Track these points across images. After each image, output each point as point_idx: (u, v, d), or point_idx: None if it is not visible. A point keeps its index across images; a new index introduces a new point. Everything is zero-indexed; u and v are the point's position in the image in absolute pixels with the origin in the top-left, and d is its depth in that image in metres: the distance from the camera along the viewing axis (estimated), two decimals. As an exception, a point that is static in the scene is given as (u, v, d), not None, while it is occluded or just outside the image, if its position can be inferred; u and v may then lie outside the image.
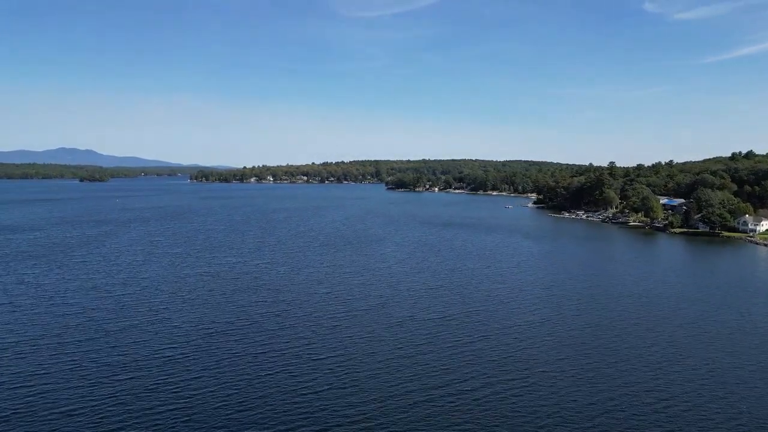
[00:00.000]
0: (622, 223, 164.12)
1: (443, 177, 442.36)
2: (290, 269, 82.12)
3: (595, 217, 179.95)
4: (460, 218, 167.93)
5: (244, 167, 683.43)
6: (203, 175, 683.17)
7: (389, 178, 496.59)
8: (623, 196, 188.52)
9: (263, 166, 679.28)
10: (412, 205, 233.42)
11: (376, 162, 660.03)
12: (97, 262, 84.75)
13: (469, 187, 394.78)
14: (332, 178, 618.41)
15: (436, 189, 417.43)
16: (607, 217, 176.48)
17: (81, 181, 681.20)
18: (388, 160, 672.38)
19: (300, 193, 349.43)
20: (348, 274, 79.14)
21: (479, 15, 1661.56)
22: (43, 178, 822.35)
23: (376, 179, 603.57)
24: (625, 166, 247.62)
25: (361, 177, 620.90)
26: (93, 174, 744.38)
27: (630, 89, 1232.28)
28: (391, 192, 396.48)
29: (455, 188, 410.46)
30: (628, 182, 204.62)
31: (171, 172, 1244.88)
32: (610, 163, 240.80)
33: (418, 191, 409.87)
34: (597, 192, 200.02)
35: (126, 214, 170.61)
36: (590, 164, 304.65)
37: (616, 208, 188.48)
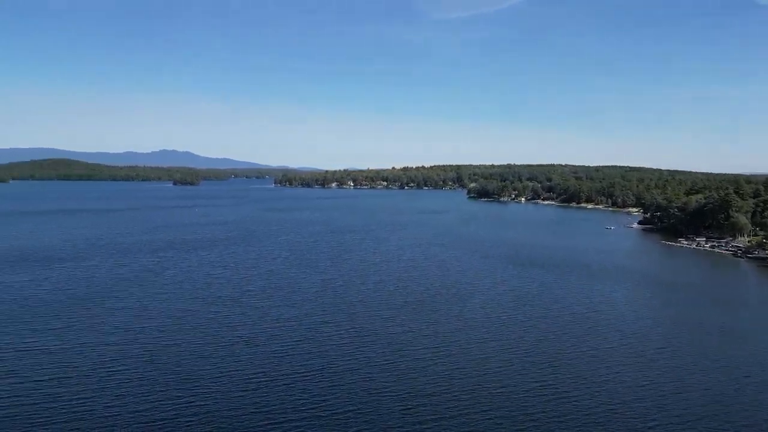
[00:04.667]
0: (762, 259, 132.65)
1: (530, 184, 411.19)
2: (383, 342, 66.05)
3: (723, 248, 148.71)
4: (555, 249, 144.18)
5: (326, 171, 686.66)
6: (287, 179, 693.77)
7: (471, 185, 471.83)
8: (761, 224, 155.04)
9: (344, 170, 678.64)
10: (496, 225, 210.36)
11: (458, 167, 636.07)
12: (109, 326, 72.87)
13: (559, 198, 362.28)
14: (412, 184, 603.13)
15: (523, 199, 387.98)
16: (739, 249, 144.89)
17: (174, 184, 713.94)
18: (471, 165, 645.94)
19: (377, 205, 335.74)
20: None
21: (565, 14, 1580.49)
22: (143, 180, 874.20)
23: (457, 185, 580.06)
24: (752, 174, 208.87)
25: (441, 182, 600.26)
26: (185, 177, 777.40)
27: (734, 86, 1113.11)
28: (473, 202, 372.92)
29: (543, 198, 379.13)
30: (763, 203, 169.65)
31: (259, 173, 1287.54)
32: (735, 176, 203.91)
33: (503, 201, 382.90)
34: (722, 215, 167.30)
35: (193, 232, 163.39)
36: (705, 175, 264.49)
37: (747, 236, 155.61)
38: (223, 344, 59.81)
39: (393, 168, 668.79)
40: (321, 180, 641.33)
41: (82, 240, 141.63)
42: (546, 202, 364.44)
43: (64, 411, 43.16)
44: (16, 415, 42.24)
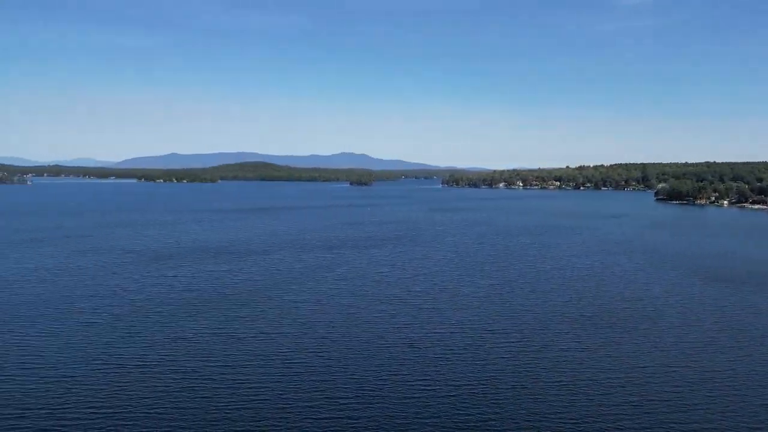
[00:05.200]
0: None
1: (735, 185, 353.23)
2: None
3: None
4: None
5: (494, 171, 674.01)
6: (454, 179, 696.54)
7: (660, 185, 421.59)
8: None
9: (513, 170, 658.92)
10: (692, 235, 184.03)
11: (643, 165, 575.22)
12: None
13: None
14: (589, 184, 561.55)
15: (725, 202, 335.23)
16: None
17: (351, 184, 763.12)
18: (659, 163, 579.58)
19: (546, 207, 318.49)
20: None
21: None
22: (324, 180, 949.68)
23: (642, 185, 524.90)
24: None
25: (623, 183, 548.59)
26: (360, 178, 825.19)
27: None
28: (661, 205, 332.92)
29: (752, 202, 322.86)
30: None
31: (428, 174, 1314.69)
32: None
33: (700, 204, 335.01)
34: None
35: (363, 231, 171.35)
36: None
37: None
38: (388, 344, 60.22)
39: (567, 167, 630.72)
40: (488, 180, 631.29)
41: (270, 235, 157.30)
42: (757, 207, 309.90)
43: (246, 396, 46.79)
44: (209, 396, 46.87)
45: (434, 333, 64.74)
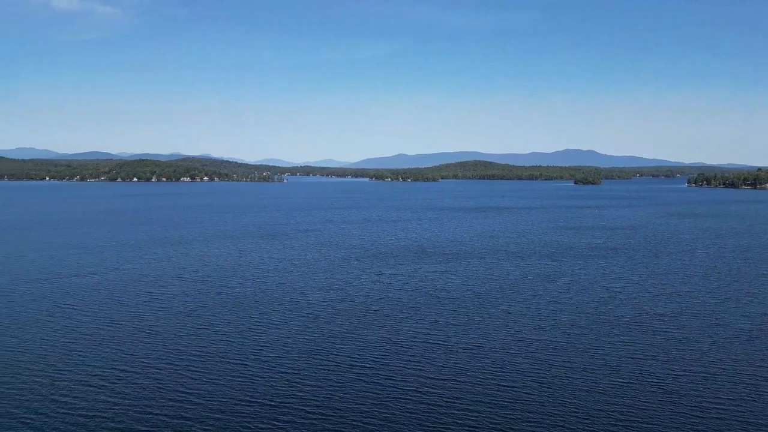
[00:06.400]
0: None
1: None
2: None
3: None
4: None
5: (759, 170, 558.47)
6: (704, 178, 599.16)
7: None
8: None
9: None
10: None
11: None
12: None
13: None
14: None
15: None
16: None
17: (575, 183, 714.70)
18: None
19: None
20: None
21: None
22: (545, 179, 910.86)
23: None
24: None
25: None
26: (587, 176, 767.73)
27: None
28: None
29: None
30: None
31: (669, 172, 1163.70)
32: None
33: None
34: None
35: (590, 236, 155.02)
36: None
37: None
38: (623, 379, 50.18)
39: None
40: (750, 180, 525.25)
41: (485, 237, 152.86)
42: None
43: (459, 414, 42.97)
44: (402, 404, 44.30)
45: (686, 372, 52.13)
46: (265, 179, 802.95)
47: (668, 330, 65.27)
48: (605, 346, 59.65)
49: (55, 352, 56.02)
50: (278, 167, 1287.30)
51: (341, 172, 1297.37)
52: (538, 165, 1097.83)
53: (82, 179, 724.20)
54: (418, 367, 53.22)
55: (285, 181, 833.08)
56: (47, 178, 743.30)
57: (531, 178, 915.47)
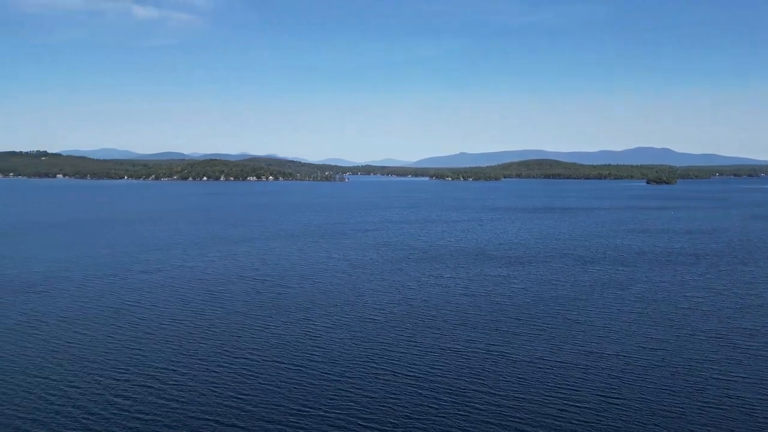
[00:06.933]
0: None
1: None
2: None
3: None
4: None
5: None
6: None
7: None
8: None
9: None
10: None
11: None
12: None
13: None
14: None
15: None
16: None
17: (647, 182, 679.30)
18: None
19: None
20: None
21: None
22: (614, 178, 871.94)
23: None
24: None
25: None
26: (660, 175, 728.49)
27: None
28: None
29: None
30: None
31: (752, 171, 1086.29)
32: None
33: None
34: None
35: (666, 240, 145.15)
36: None
37: None
38: (711, 401, 45.17)
39: None
40: None
41: (550, 239, 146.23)
42: None
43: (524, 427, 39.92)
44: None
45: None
46: (326, 178, 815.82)
47: (758, 347, 58.71)
48: (686, 363, 54.28)
49: (118, 349, 57.39)
50: (340, 167, 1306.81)
51: (401, 171, 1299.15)
52: (608, 164, 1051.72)
53: (156, 178, 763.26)
54: (479, 380, 50.30)
55: (346, 180, 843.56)
56: (125, 177, 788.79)
57: (599, 177, 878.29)
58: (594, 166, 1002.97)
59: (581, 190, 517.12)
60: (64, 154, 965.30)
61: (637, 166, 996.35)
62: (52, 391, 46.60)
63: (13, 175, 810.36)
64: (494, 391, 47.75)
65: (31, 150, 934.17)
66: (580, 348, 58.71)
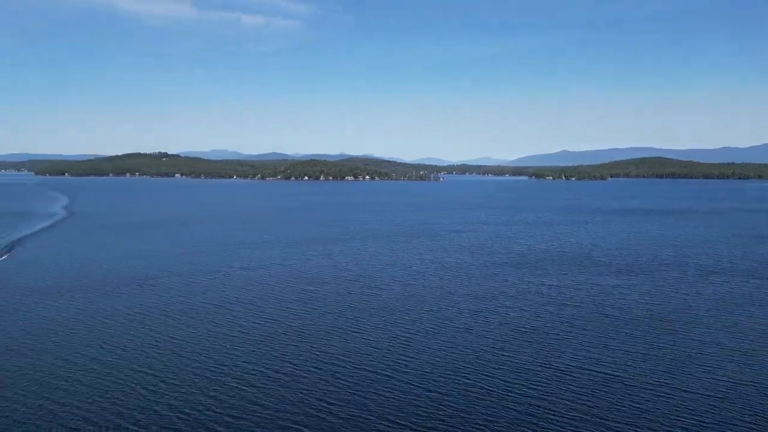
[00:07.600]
0: None
1: None
2: None
3: None
4: None
5: None
6: None
7: None
8: None
9: None
10: None
11: None
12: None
13: None
14: None
15: None
16: None
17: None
18: None
19: None
20: None
21: None
22: (739, 178, 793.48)
23: None
24: None
25: None
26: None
27: None
28: None
29: None
30: None
31: None
32: None
33: None
34: None
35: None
36: None
37: None
38: None
39: None
40: None
41: (663, 245, 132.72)
42: None
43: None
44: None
45: None
46: (421, 178, 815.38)
47: None
48: None
49: (213, 347, 58.59)
50: (436, 166, 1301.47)
51: (498, 171, 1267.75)
52: (731, 162, 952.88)
53: (262, 178, 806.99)
54: (586, 403, 44.99)
55: (441, 179, 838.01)
56: (234, 177, 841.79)
57: (721, 176, 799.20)
58: (715, 165, 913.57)
59: (701, 190, 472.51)
60: (182, 155, 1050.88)
61: (766, 164, 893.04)
62: (147, 386, 47.97)
63: (139, 175, 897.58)
64: (605, 418, 42.28)
65: (154, 151, 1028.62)
66: (708, 373, 50.93)
